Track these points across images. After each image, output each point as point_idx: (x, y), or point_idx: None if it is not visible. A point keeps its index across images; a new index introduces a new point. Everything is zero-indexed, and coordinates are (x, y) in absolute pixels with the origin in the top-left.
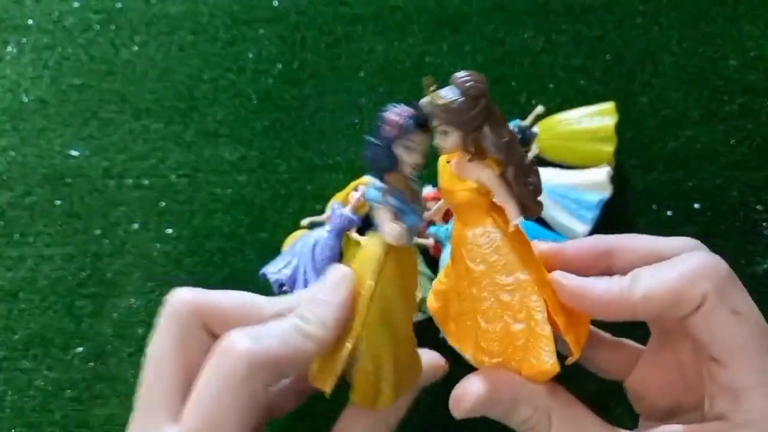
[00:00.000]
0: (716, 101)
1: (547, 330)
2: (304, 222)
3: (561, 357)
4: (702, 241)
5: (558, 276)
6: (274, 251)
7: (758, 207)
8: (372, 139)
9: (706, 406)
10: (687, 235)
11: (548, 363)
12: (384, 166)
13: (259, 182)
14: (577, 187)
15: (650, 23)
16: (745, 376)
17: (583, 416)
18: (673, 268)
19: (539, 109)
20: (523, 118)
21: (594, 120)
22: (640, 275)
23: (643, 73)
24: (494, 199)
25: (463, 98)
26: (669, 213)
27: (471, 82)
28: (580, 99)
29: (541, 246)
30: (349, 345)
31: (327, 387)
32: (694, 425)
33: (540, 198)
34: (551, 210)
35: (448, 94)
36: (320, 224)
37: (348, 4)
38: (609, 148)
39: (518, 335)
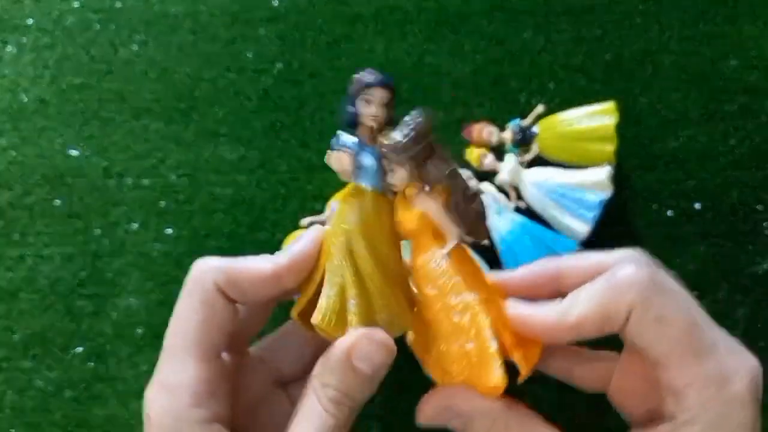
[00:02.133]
0: (716, 101)
1: (493, 347)
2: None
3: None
4: (702, 241)
5: (508, 304)
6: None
7: (758, 207)
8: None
9: (662, 408)
10: (687, 235)
11: (496, 378)
12: (348, 119)
13: (259, 182)
14: (577, 187)
15: (650, 23)
16: (680, 376)
17: (541, 429)
18: (600, 285)
19: (539, 108)
20: (524, 117)
21: (594, 120)
22: (578, 297)
23: (643, 73)
24: (437, 226)
25: (407, 139)
26: (669, 213)
27: (413, 123)
28: (580, 99)
29: (493, 277)
30: (317, 278)
31: (295, 312)
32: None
33: (485, 222)
34: (552, 210)
35: (396, 135)
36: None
37: (348, 3)
38: (609, 148)
39: (472, 354)
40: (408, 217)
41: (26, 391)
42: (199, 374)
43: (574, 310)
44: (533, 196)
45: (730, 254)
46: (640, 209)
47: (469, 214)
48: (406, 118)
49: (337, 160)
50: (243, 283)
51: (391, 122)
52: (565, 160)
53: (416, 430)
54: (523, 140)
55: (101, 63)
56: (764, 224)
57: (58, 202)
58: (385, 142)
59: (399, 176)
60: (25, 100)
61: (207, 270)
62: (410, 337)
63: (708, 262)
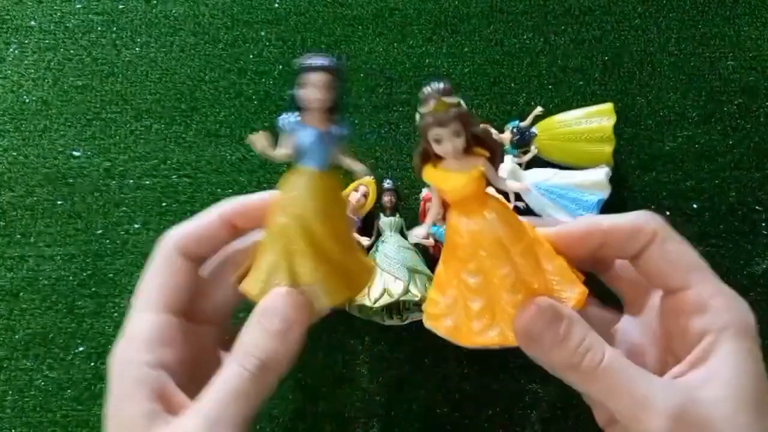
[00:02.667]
0: (714, 102)
1: (567, 267)
2: None
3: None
4: (700, 241)
5: (540, 229)
6: None
7: (757, 207)
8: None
9: (688, 334)
10: (686, 236)
11: (579, 290)
12: (289, 103)
13: (259, 182)
14: (576, 188)
15: (648, 24)
16: (709, 287)
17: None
18: (627, 214)
19: (538, 109)
20: (522, 118)
21: (593, 121)
22: (601, 217)
23: (642, 74)
24: (489, 176)
25: (455, 110)
26: (667, 213)
27: (448, 88)
28: (579, 100)
29: (539, 231)
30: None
31: (235, 278)
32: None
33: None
34: (550, 210)
35: (432, 100)
36: None
37: (348, 5)
38: (608, 149)
39: (552, 277)
40: (460, 182)
41: (27, 391)
42: (152, 325)
43: (606, 220)
44: (532, 197)
45: (729, 254)
46: (638, 209)
47: (499, 156)
48: (432, 86)
49: (254, 140)
50: (198, 235)
51: (335, 106)
52: (564, 160)
53: (416, 429)
54: (522, 141)
55: (103, 64)
56: (763, 224)
57: (59, 202)
58: (451, 104)
59: (462, 139)
60: (27, 100)
61: (169, 235)
62: (442, 326)
63: (706, 261)
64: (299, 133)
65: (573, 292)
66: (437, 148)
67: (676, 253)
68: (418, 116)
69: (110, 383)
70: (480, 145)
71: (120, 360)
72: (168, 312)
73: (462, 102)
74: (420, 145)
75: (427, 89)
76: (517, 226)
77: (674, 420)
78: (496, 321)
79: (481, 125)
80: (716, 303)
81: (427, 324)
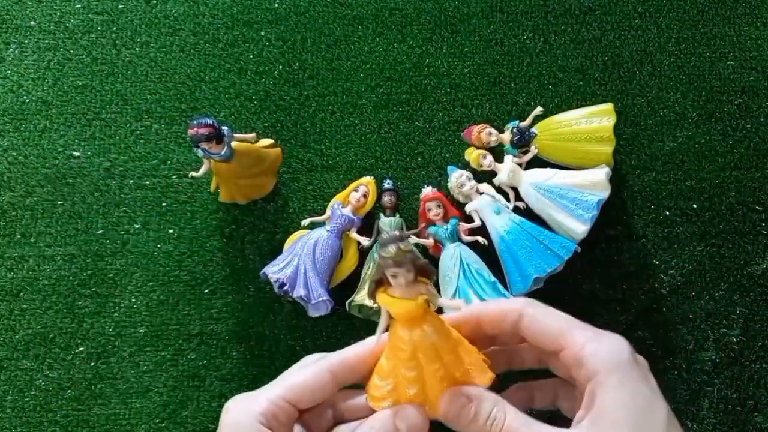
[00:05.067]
0: (714, 101)
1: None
2: (305, 222)
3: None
4: (700, 241)
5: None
6: (274, 251)
7: (757, 207)
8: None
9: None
10: (685, 235)
11: (488, 375)
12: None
13: None
14: (575, 188)
15: (648, 24)
16: (579, 340)
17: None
18: (499, 299)
19: (538, 109)
20: (522, 119)
21: (593, 121)
22: (476, 304)
23: (642, 74)
24: (431, 299)
25: (406, 250)
26: (667, 213)
27: (406, 236)
28: (579, 100)
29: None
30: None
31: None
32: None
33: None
34: (550, 210)
35: (392, 247)
36: (320, 224)
37: (348, 5)
38: (608, 149)
39: (469, 367)
40: (409, 307)
41: (27, 391)
42: None
43: (475, 306)
44: (532, 197)
45: (728, 254)
46: (638, 209)
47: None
48: (383, 231)
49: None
50: (312, 390)
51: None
52: (564, 160)
53: None
54: (522, 141)
55: (103, 64)
56: (763, 224)
57: (59, 202)
58: (388, 256)
59: (407, 278)
60: (27, 100)
61: (246, 413)
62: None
63: (706, 262)
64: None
65: (484, 377)
66: (393, 281)
67: (543, 324)
68: (377, 256)
69: None
70: (422, 275)
71: None
72: None
73: (413, 247)
74: (376, 275)
75: (386, 238)
76: (447, 333)
77: None
78: (427, 404)
79: (420, 261)
80: (587, 352)
81: (370, 403)
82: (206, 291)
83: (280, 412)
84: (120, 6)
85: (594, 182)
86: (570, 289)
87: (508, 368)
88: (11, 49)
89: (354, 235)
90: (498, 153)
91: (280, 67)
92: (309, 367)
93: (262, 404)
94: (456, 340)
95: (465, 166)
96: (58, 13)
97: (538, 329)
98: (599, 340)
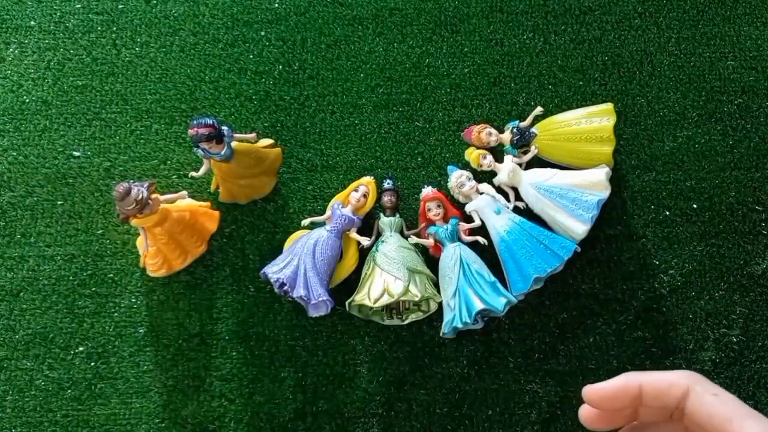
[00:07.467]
0: (714, 101)
1: None
2: (305, 222)
3: None
4: (700, 241)
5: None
6: (274, 251)
7: (757, 207)
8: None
9: None
10: (685, 235)
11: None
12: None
13: None
14: (576, 188)
15: (648, 24)
16: (748, 426)
17: None
18: (664, 372)
19: (538, 109)
20: (522, 119)
21: (593, 121)
22: (638, 373)
23: (642, 74)
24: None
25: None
26: (667, 213)
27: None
28: (579, 100)
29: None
30: None
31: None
32: None
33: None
34: (550, 210)
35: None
36: (320, 224)
37: (348, 5)
38: (608, 149)
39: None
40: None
41: (27, 391)
42: None
43: (638, 374)
44: (532, 197)
45: (728, 254)
46: (638, 209)
47: None
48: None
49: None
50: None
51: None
52: (564, 160)
53: (416, 429)
54: (522, 141)
55: (103, 64)
56: (763, 224)
57: (59, 202)
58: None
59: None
60: (27, 100)
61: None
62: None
63: (706, 262)
64: (206, 153)
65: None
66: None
67: (712, 406)
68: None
69: None
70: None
71: None
72: None
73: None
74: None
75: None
76: (179, 222)
77: None
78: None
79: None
80: None
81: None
82: (206, 291)
83: None
84: (120, 6)
85: (594, 182)
86: (570, 289)
87: None
88: (11, 49)
89: (354, 235)
90: (498, 153)
91: (280, 67)
92: None
93: None
94: (185, 227)
95: (465, 166)
96: (58, 13)
97: (705, 411)
98: None
